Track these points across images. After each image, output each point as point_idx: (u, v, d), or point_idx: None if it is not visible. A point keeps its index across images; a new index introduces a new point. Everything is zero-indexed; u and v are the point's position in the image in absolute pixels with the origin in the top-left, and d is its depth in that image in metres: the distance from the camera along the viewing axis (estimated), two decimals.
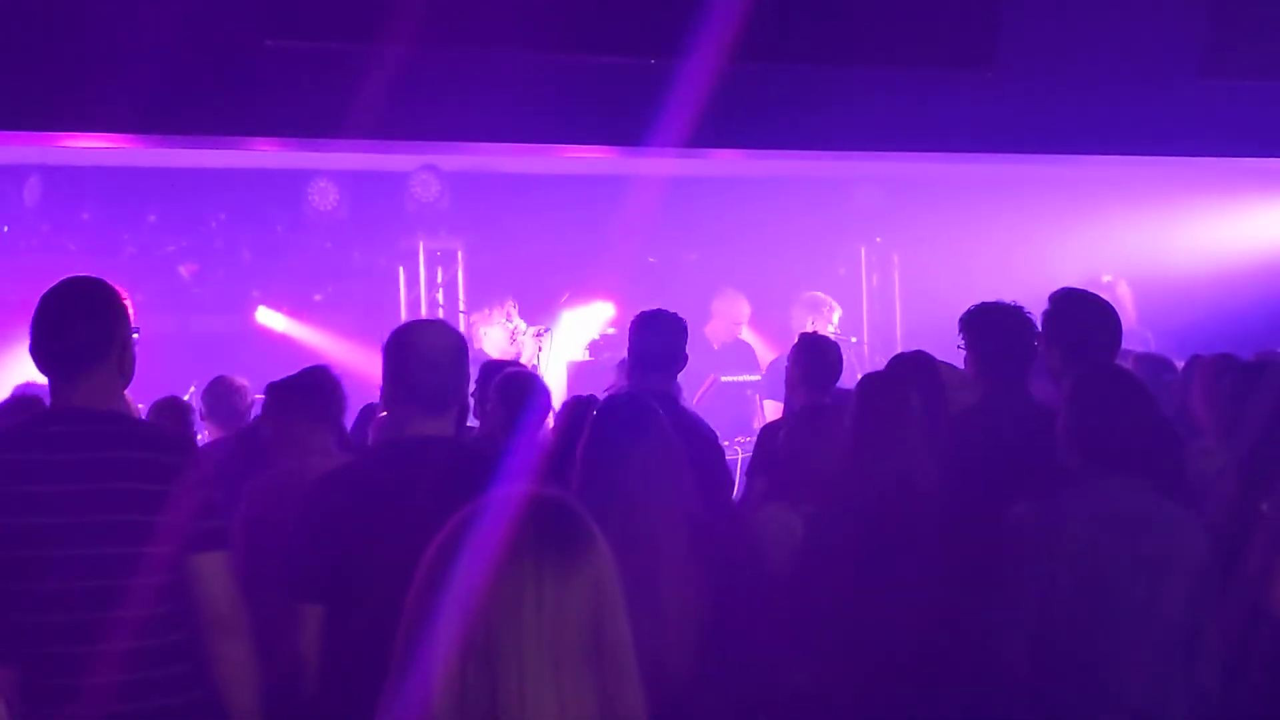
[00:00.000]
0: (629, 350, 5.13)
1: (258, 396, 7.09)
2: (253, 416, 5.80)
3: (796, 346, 5.58)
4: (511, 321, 8.24)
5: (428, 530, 3.13)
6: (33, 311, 3.23)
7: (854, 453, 3.87)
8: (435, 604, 1.79)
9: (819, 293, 8.75)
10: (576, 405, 4.79)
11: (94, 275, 3.33)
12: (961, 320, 4.55)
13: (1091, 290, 4.75)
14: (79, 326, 3.19)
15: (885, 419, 3.84)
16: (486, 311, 8.36)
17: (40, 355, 3.21)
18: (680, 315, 5.12)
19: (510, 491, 1.88)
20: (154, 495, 3.09)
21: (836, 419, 4.20)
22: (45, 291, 3.24)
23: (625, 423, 3.62)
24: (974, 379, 4.42)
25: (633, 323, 5.11)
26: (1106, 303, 4.51)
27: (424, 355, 3.34)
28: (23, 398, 4.90)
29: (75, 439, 3.13)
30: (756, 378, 8.36)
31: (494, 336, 8.20)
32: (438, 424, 3.37)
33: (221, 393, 5.83)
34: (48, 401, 3.27)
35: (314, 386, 4.63)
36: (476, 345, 8.02)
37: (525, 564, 1.78)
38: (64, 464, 3.09)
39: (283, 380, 4.72)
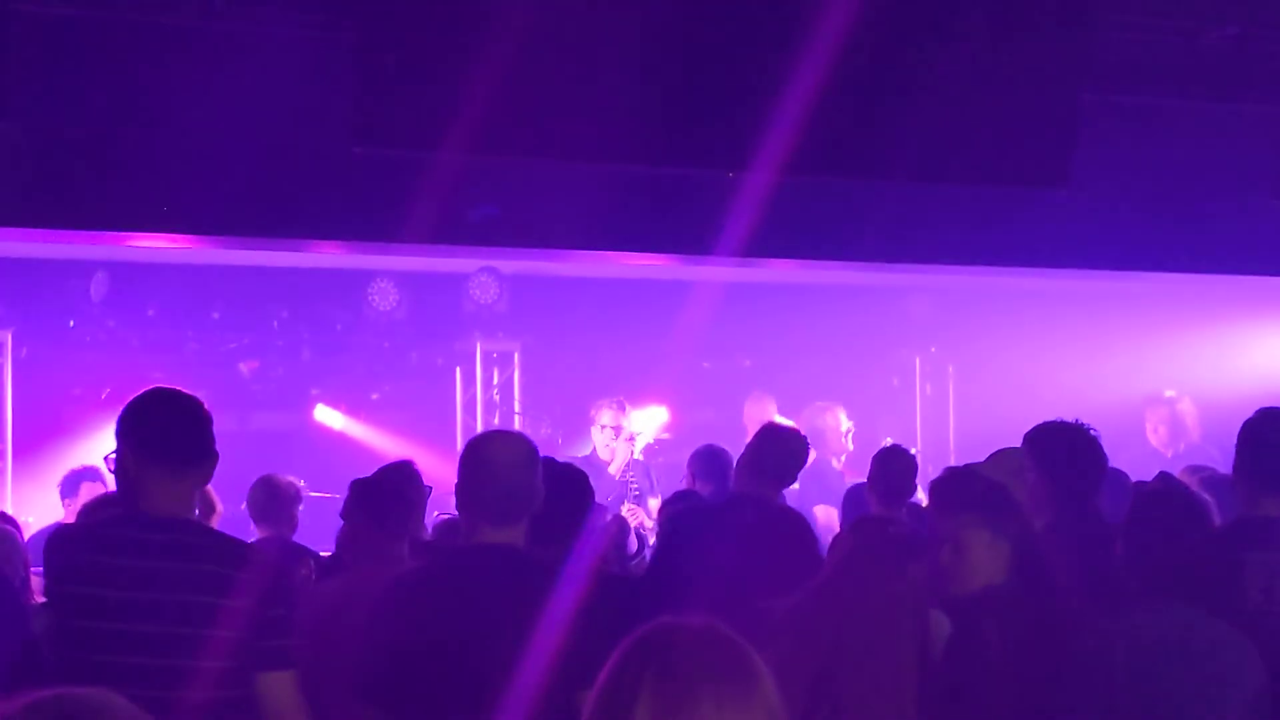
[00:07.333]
0: (759, 457, 5.15)
1: (312, 494, 7.12)
2: (299, 513, 5.78)
3: (874, 458, 5.59)
4: (606, 422, 8.04)
5: (487, 639, 3.22)
6: (123, 411, 3.25)
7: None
8: None
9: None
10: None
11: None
12: (1027, 438, 4.52)
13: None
14: (192, 434, 3.25)
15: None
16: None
17: (149, 453, 3.21)
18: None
19: (670, 624, 1.87)
20: (227, 610, 3.11)
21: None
22: (145, 397, 3.29)
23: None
24: (1044, 499, 4.36)
25: (770, 434, 5.27)
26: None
27: (492, 470, 3.44)
28: (110, 498, 4.84)
29: (157, 547, 3.14)
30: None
31: (596, 439, 8.07)
32: (505, 534, 3.44)
33: (270, 492, 5.75)
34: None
35: (397, 495, 4.43)
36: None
37: (704, 704, 1.77)
38: (142, 570, 3.11)
39: (368, 483, 4.48)
